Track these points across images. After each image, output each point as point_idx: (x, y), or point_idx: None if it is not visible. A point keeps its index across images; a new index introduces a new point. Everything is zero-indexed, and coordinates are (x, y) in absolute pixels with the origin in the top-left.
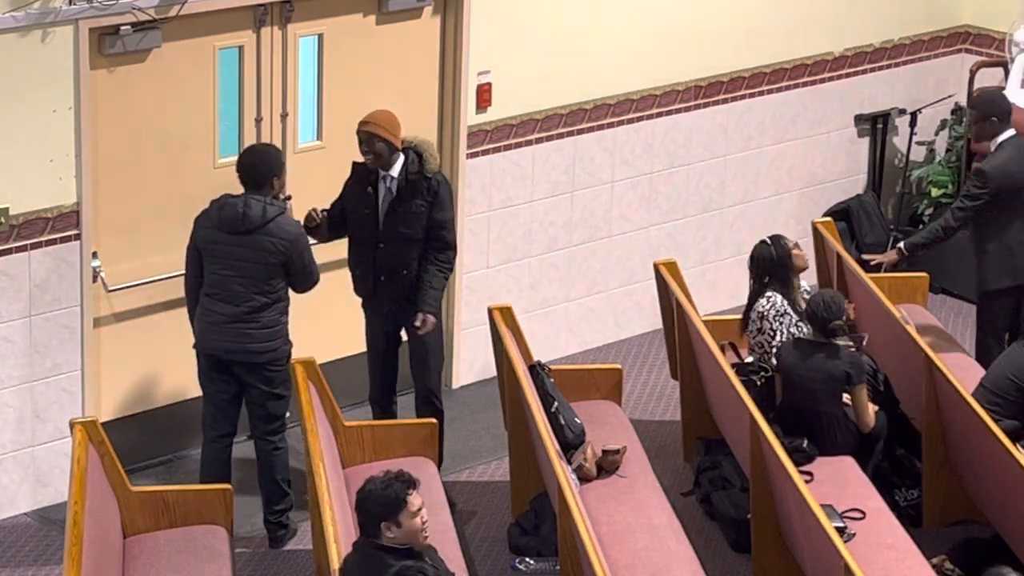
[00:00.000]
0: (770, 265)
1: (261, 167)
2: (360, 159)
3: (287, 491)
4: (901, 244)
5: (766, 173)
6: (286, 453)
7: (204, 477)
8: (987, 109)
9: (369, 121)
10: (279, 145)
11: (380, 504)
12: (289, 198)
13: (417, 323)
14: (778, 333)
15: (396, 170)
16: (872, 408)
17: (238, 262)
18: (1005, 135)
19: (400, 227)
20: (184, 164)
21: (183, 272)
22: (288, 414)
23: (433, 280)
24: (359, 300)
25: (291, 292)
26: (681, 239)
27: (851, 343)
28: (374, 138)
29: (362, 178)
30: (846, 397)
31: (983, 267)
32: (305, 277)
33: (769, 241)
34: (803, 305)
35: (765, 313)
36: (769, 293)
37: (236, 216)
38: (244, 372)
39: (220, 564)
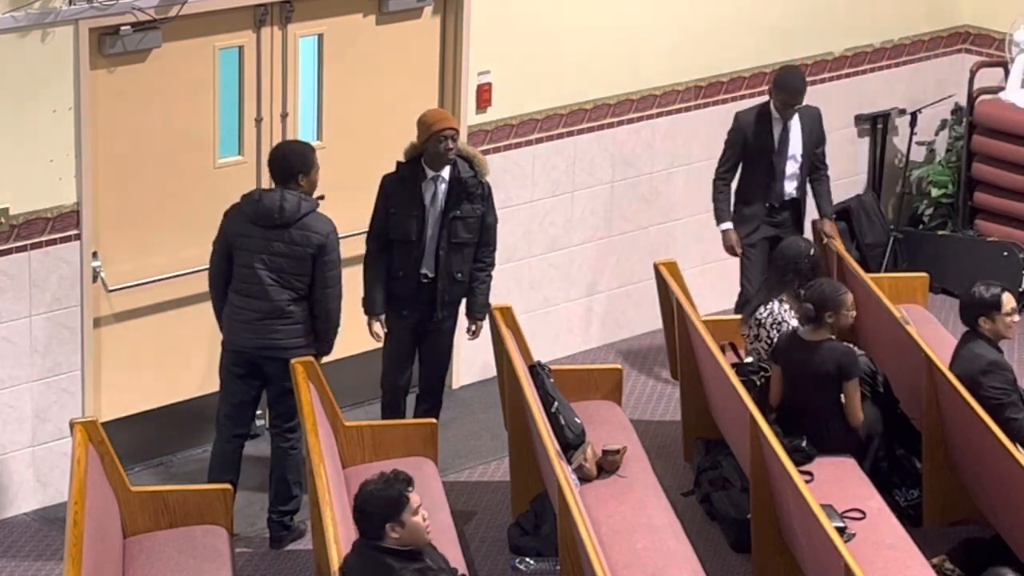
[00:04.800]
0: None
1: (285, 161)
2: (401, 158)
3: (295, 493)
4: (831, 216)
5: None
6: (300, 454)
7: (213, 475)
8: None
9: (450, 117)
10: None
11: (382, 504)
12: (322, 198)
13: (472, 329)
14: (775, 342)
15: (447, 172)
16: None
17: (272, 256)
18: None
19: (462, 233)
20: (184, 164)
21: (183, 272)
22: None
23: (482, 287)
24: (358, 300)
25: None
26: (681, 239)
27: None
28: (457, 135)
29: (408, 178)
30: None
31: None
32: (328, 280)
33: (799, 243)
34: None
35: (763, 321)
36: (770, 303)
37: (273, 208)
38: (271, 368)
39: (220, 564)
